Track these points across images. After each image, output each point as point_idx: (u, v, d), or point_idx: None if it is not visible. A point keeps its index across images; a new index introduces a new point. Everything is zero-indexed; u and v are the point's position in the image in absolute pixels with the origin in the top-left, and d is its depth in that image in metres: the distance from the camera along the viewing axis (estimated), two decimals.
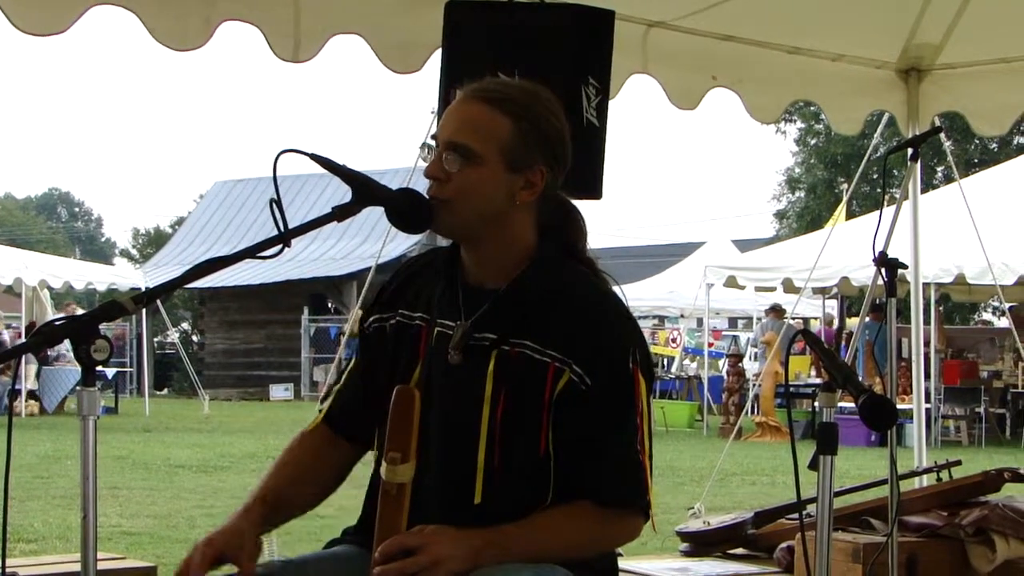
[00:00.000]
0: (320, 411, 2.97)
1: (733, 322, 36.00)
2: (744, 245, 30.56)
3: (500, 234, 2.74)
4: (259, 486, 2.87)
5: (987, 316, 34.40)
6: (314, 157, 2.65)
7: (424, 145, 2.79)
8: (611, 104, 5.20)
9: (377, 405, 2.80)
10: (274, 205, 2.56)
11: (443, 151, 2.70)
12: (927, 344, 16.05)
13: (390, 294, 2.90)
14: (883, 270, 4.72)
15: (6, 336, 23.95)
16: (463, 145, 2.68)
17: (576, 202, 2.91)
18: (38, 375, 23.11)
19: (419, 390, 2.72)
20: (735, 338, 30.65)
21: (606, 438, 2.69)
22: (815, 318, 26.07)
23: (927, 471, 5.73)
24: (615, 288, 2.84)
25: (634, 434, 2.70)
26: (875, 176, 35.19)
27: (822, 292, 21.64)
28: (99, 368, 2.45)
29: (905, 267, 4.95)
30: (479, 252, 2.77)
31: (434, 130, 2.82)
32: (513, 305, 2.72)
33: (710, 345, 26.86)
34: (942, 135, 6.17)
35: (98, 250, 78.38)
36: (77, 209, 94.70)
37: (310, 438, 2.95)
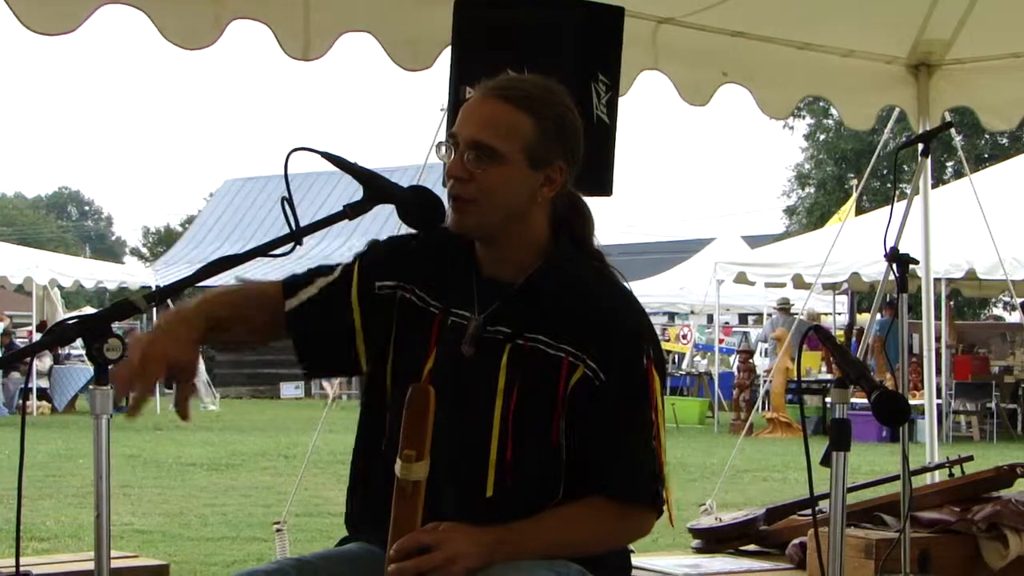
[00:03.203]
0: (287, 286, 2.86)
1: (743, 318, 36.01)
2: (754, 241, 30.50)
3: (518, 231, 2.75)
4: (200, 305, 2.78)
5: (998, 311, 34.34)
6: (325, 155, 2.65)
7: (440, 144, 2.78)
8: (621, 101, 5.20)
9: (340, 350, 2.83)
10: (285, 203, 2.56)
11: (465, 150, 2.69)
12: (938, 340, 16.02)
13: (406, 263, 2.86)
14: (894, 265, 4.72)
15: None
16: (487, 145, 2.68)
17: (586, 198, 2.91)
18: (49, 373, 23.12)
19: (430, 381, 2.72)
20: (746, 334, 30.61)
21: (620, 433, 2.69)
22: (826, 314, 26.05)
23: (939, 467, 5.73)
24: (624, 283, 2.85)
25: (648, 429, 2.71)
26: (885, 171, 35.16)
27: (832, 288, 21.63)
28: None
29: (916, 262, 4.94)
30: (496, 249, 2.77)
31: (444, 128, 2.82)
32: (528, 300, 2.73)
33: (720, 341, 26.82)
34: (952, 130, 6.16)
35: (108, 249, 78.54)
36: (87, 208, 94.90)
37: (264, 299, 2.89)
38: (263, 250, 2.61)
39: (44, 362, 22.65)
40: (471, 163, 2.68)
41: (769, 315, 24.81)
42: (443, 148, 2.75)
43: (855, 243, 14.79)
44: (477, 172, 2.68)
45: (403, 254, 2.88)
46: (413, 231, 2.85)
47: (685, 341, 28.99)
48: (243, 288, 2.94)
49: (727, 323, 35.34)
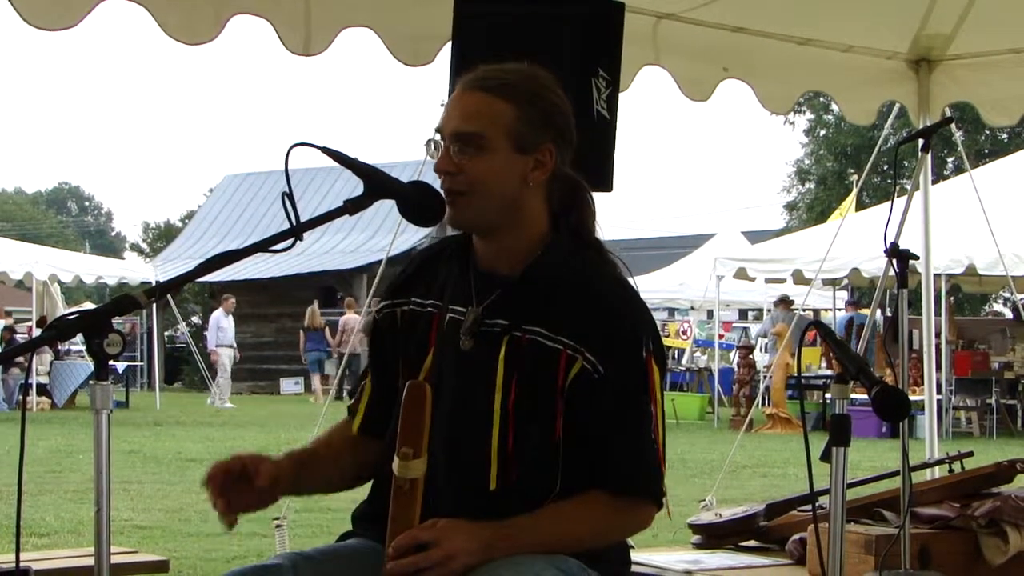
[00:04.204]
0: (350, 411, 2.98)
1: (743, 314, 35.96)
2: (754, 237, 30.46)
3: (514, 221, 2.74)
4: (295, 450, 2.93)
5: (998, 307, 34.31)
6: (325, 150, 2.65)
7: (430, 141, 2.79)
8: (622, 96, 5.20)
9: (396, 392, 2.80)
10: (286, 199, 2.56)
11: (450, 143, 2.70)
12: (938, 335, 16.01)
13: (402, 282, 2.90)
14: (895, 261, 4.72)
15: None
16: (470, 134, 2.69)
17: None
18: (50, 369, 23.12)
19: (430, 376, 2.72)
20: (746, 330, 30.61)
21: (619, 427, 2.68)
22: (826, 309, 26.05)
23: (939, 462, 5.72)
24: (624, 274, 2.84)
25: (647, 423, 2.70)
26: (885, 167, 35.16)
27: (833, 284, 21.62)
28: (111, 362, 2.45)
29: (916, 258, 4.94)
30: (494, 241, 2.77)
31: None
32: (525, 292, 2.73)
33: (720, 337, 26.84)
34: (953, 126, 6.15)
35: (108, 244, 78.48)
36: (87, 203, 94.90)
37: (347, 429, 2.97)
38: (263, 245, 2.61)
39: (44, 358, 22.65)
40: (457, 155, 2.69)
41: (769, 311, 24.80)
42: (431, 145, 2.76)
43: (855, 239, 14.80)
44: (464, 163, 2.69)
45: (399, 279, 2.92)
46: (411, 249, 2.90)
47: (685, 337, 29.00)
48: (335, 434, 3.02)
49: (727, 319, 35.31)
